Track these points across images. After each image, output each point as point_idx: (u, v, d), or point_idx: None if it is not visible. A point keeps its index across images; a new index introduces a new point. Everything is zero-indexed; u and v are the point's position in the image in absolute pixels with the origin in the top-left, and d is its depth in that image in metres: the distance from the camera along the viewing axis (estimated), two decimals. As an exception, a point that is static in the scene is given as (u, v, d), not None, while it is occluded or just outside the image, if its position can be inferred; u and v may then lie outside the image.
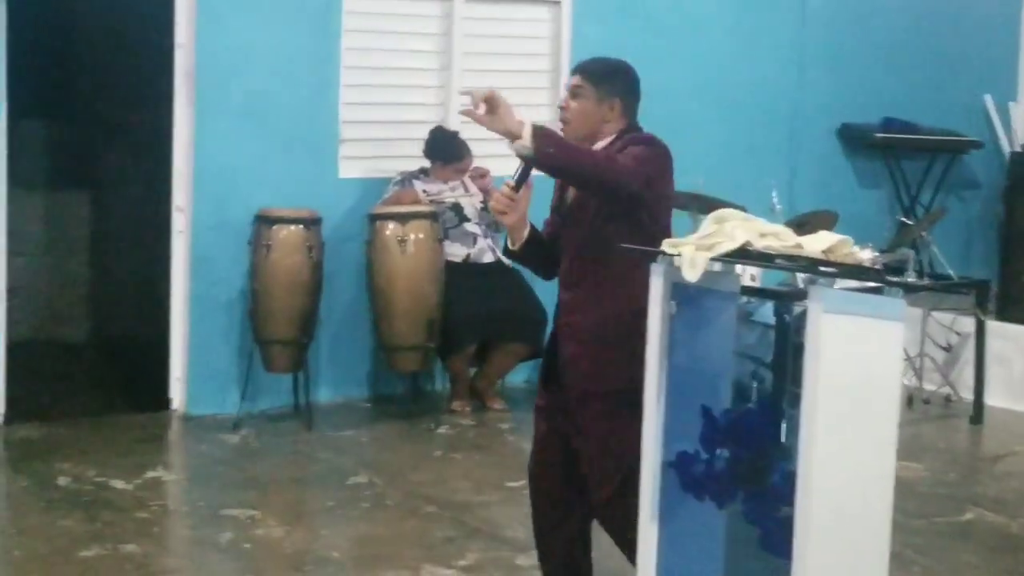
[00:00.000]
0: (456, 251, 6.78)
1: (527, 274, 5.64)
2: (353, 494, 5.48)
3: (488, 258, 6.85)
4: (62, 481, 5.41)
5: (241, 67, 6.54)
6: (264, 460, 5.97)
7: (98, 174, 7.79)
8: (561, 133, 3.54)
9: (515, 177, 3.46)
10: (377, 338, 6.75)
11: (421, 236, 6.54)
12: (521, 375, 7.13)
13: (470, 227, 6.82)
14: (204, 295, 6.57)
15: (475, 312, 6.70)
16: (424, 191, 6.76)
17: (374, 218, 6.61)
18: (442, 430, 6.51)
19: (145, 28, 6.48)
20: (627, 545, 3.50)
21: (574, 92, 3.58)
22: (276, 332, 6.38)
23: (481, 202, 6.80)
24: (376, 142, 7.06)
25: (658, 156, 3.51)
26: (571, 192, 3.62)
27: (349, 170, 6.95)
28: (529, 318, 6.66)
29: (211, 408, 6.52)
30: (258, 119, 6.60)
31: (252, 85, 6.58)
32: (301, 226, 6.40)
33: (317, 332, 6.58)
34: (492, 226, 6.83)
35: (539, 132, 3.30)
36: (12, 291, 6.44)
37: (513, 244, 3.62)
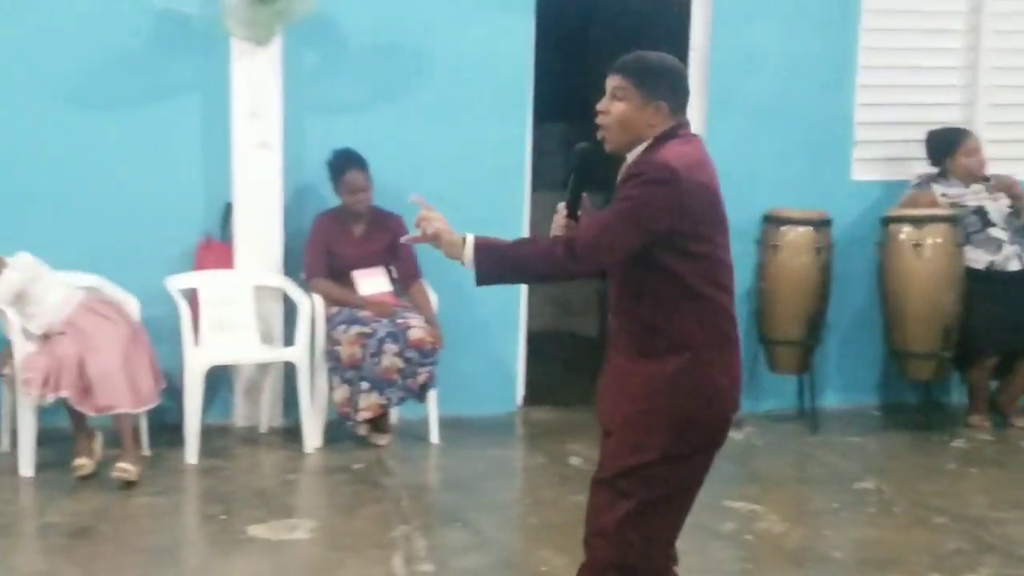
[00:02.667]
0: (978, 257, 6.39)
1: None
2: (858, 498, 5.34)
3: (1014, 265, 6.40)
4: (574, 461, 5.76)
5: (753, 69, 6.59)
6: (767, 458, 5.96)
7: (613, 174, 8.12)
8: (602, 140, 3.18)
9: (567, 199, 3.25)
10: (888, 344, 6.53)
11: (939, 240, 6.25)
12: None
13: (995, 232, 6.41)
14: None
15: (998, 322, 6.31)
16: (943, 195, 6.45)
17: (887, 221, 6.40)
18: (957, 443, 6.18)
19: (660, 33, 6.69)
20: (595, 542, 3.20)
21: (614, 94, 3.13)
22: (782, 333, 6.35)
23: (1009, 206, 6.39)
24: (893, 144, 6.83)
25: (656, 197, 2.99)
26: None
27: (863, 172, 6.79)
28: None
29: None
30: (769, 120, 6.62)
31: (764, 87, 6.61)
32: (810, 227, 6.33)
33: (825, 335, 6.48)
34: (1020, 231, 6.39)
35: (480, 251, 3.06)
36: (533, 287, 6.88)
37: None
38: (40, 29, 5.94)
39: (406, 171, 6.23)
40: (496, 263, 3.07)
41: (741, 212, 6.48)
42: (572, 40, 7.91)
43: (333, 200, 6.08)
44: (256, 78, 5.96)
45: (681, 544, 4.69)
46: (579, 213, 3.23)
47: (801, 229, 6.33)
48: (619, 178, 3.13)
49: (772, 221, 6.38)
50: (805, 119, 6.66)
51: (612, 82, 3.13)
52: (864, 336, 6.75)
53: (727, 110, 6.57)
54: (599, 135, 3.17)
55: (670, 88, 3.11)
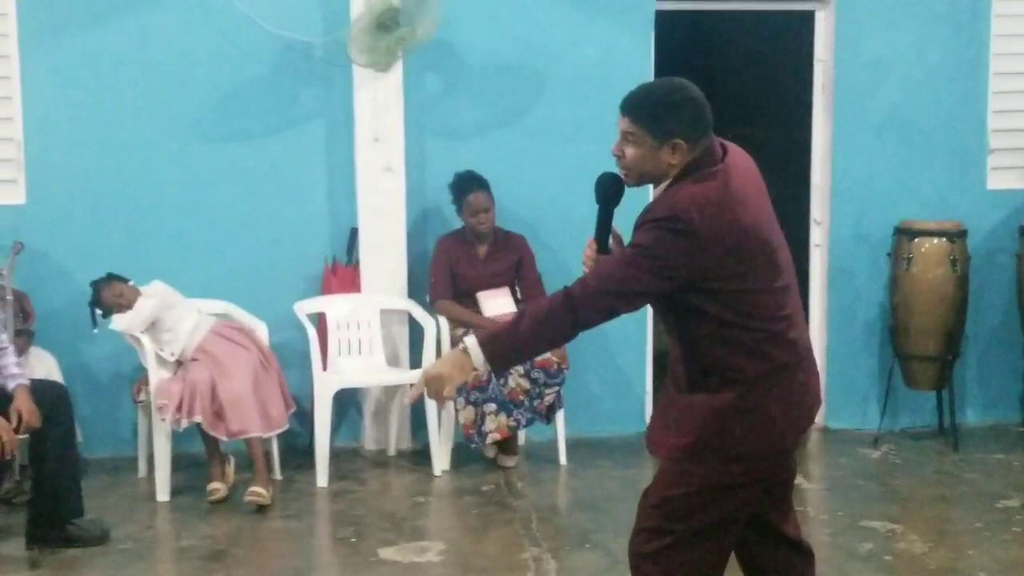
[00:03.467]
0: None
1: None
2: (1003, 517, 5.14)
3: None
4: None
5: (880, 79, 6.43)
6: (906, 476, 5.78)
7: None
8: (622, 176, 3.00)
9: (596, 232, 3.06)
10: (1031, 358, 6.31)
11: (1081, 249, 6.02)
12: None
13: None
14: (843, 308, 6.52)
15: None
16: (1085, 201, 6.21)
17: (1026, 230, 6.19)
18: (1105, 462, 5.92)
19: (785, 45, 6.59)
20: None
21: (626, 138, 2.94)
22: (918, 348, 6.17)
23: None
24: (1029, 152, 6.61)
25: (671, 247, 2.82)
26: None
27: (999, 181, 6.58)
28: None
29: (850, 422, 6.48)
30: (898, 131, 6.46)
31: (892, 97, 6.45)
32: (945, 239, 6.13)
33: (963, 349, 6.26)
34: None
35: (486, 348, 2.90)
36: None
37: None
38: (169, 62, 6.09)
39: (528, 191, 6.24)
40: (505, 350, 2.95)
41: (872, 225, 6.40)
42: (692, 57, 7.84)
43: (456, 222, 6.10)
44: (378, 104, 6.02)
45: (820, 565, 4.58)
46: (610, 246, 3.08)
47: (935, 241, 6.13)
48: (637, 220, 2.95)
49: (905, 233, 6.20)
50: (936, 128, 6.48)
51: (622, 124, 2.95)
52: (1004, 350, 6.53)
53: (854, 122, 6.43)
54: (623, 175, 3.01)
55: (685, 123, 2.90)
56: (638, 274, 2.85)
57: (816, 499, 5.49)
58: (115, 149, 6.10)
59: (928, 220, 6.23)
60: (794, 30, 6.58)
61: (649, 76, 6.33)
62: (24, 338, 5.63)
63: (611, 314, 2.92)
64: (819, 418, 6.59)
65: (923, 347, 6.15)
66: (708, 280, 2.86)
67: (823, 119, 6.51)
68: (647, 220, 2.87)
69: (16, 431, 4.56)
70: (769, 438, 2.96)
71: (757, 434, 2.94)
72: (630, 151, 2.93)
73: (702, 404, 2.96)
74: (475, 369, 2.93)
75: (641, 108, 2.92)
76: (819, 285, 6.60)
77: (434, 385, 2.94)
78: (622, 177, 3.00)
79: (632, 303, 2.92)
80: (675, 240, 2.82)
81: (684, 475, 2.98)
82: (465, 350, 2.91)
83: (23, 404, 4.64)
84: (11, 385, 4.72)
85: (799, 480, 5.62)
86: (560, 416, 5.91)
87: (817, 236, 6.59)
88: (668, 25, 6.56)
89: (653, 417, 3.22)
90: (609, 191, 3.03)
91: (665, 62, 6.30)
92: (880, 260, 6.34)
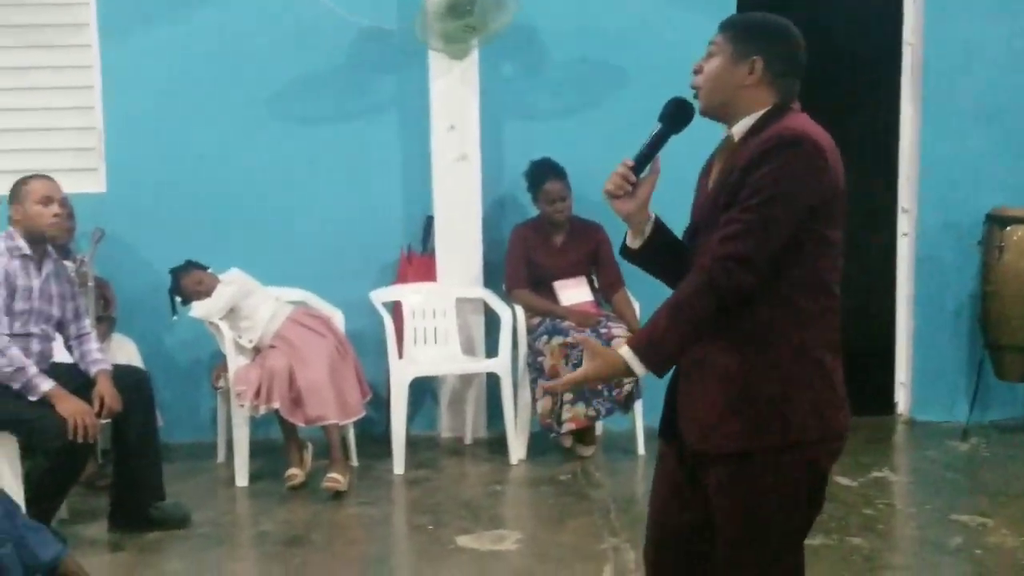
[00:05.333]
0: None
1: None
2: (1099, 512, 4.97)
3: None
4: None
5: (970, 64, 6.25)
6: (996, 470, 5.61)
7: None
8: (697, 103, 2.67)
9: (638, 152, 2.69)
10: None
11: None
12: None
13: None
14: (931, 298, 6.36)
15: None
16: None
17: None
18: None
19: (872, 27, 6.43)
20: None
21: (710, 52, 2.68)
22: (1009, 338, 5.99)
23: None
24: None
25: (801, 168, 2.51)
26: (703, 196, 2.74)
27: (1091, 166, 6.37)
28: None
29: (938, 414, 6.32)
30: (988, 117, 6.27)
31: (982, 82, 6.27)
32: (1037, 226, 5.95)
33: (1057, 340, 6.08)
34: None
35: (640, 351, 2.56)
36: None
37: (631, 241, 2.80)
38: (247, 51, 6.11)
39: (605, 180, 6.14)
40: (665, 340, 2.56)
41: (961, 212, 6.23)
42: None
43: (531, 211, 6.05)
44: (454, 91, 5.98)
45: (905, 560, 4.47)
46: (643, 176, 2.72)
47: (1027, 228, 5.96)
48: (727, 164, 2.64)
49: (996, 221, 6.02)
50: (1028, 114, 6.30)
51: (712, 39, 2.70)
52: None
53: (944, 107, 6.27)
54: (694, 97, 2.70)
55: (773, 50, 2.64)
56: (788, 208, 2.50)
57: (903, 492, 5.35)
58: (193, 138, 6.14)
59: (1020, 207, 6.04)
60: (881, 12, 6.41)
61: (730, 61, 6.21)
62: (105, 325, 5.68)
63: (758, 273, 2.52)
64: (905, 409, 6.46)
65: (1015, 337, 5.97)
66: (816, 220, 2.55)
67: (911, 104, 6.35)
68: (764, 151, 2.52)
69: (98, 415, 4.59)
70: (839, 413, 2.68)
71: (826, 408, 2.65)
72: (710, 63, 2.67)
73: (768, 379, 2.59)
74: (629, 373, 2.59)
75: (735, 22, 2.73)
76: (906, 274, 6.44)
77: (584, 385, 2.70)
78: (695, 98, 2.70)
79: (775, 252, 2.53)
80: (804, 160, 2.52)
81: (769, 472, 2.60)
82: (623, 361, 2.57)
83: (105, 389, 4.67)
84: (93, 370, 4.76)
85: (886, 472, 5.52)
86: (638, 406, 5.82)
87: (904, 224, 6.43)
88: (750, 8, 6.43)
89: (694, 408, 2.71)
90: (674, 112, 2.71)
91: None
92: (969, 249, 6.16)
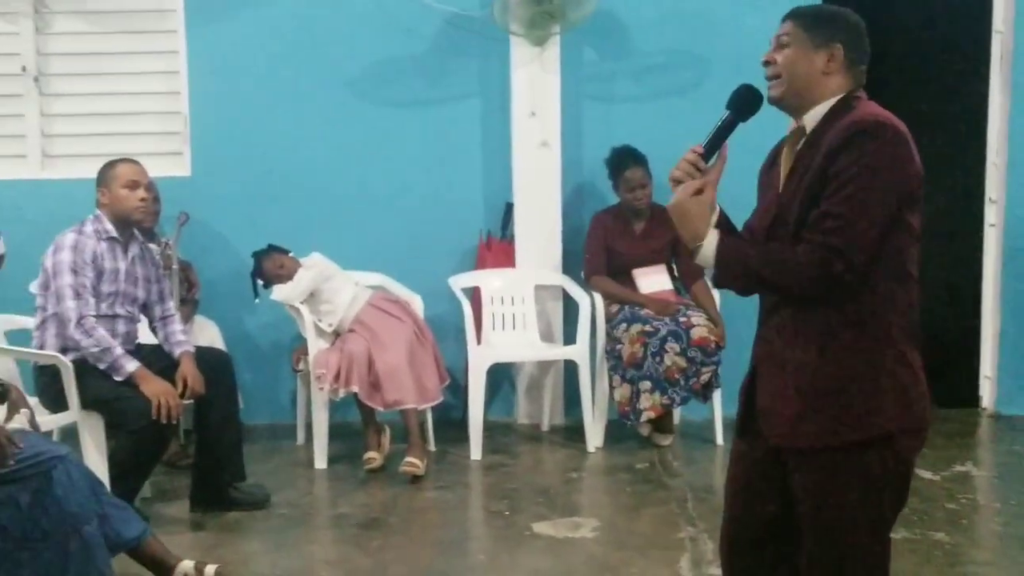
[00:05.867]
0: None
1: None
2: None
3: None
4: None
5: (1064, 50, 6.12)
6: (1084, 467, 5.50)
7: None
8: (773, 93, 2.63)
9: (708, 138, 2.66)
10: None
11: None
12: None
13: None
14: (1018, 291, 6.23)
15: None
16: None
17: None
18: None
19: (962, 16, 6.30)
20: None
21: (780, 41, 2.64)
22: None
23: None
24: None
25: (892, 156, 2.46)
26: (779, 180, 2.67)
27: None
28: None
29: (1023, 408, 6.19)
30: (1082, 104, 6.14)
31: (1075, 69, 6.13)
32: None
33: None
34: None
35: (721, 249, 2.58)
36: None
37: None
38: (331, 37, 6.16)
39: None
40: (732, 270, 2.61)
41: (1054, 203, 6.09)
42: (868, 26, 7.54)
43: (611, 198, 6.02)
44: (535, 78, 5.97)
45: (988, 555, 4.38)
46: (712, 161, 2.68)
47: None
48: (801, 155, 2.62)
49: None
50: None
51: (779, 31, 2.66)
52: None
53: (1034, 95, 6.14)
54: (769, 89, 2.67)
55: (849, 38, 2.63)
56: (887, 197, 2.46)
57: (986, 487, 5.25)
58: (277, 124, 6.21)
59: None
60: (971, 0, 6.28)
61: (814, 48, 6.13)
62: (189, 307, 5.77)
63: (859, 268, 2.47)
64: (990, 403, 6.34)
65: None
66: (901, 207, 2.50)
67: (1000, 93, 6.22)
68: (850, 139, 2.47)
69: (181, 396, 4.66)
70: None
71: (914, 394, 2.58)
72: (784, 54, 2.63)
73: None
74: (699, 240, 2.62)
75: (805, 12, 2.68)
76: (992, 267, 6.31)
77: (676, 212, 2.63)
78: (768, 87, 2.67)
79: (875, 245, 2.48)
80: (893, 148, 2.48)
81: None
82: (703, 242, 2.62)
83: (188, 370, 4.75)
84: (177, 352, 4.84)
85: (969, 466, 5.42)
86: (717, 395, 5.78)
87: (992, 215, 6.30)
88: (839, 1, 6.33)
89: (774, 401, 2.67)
90: (743, 99, 2.68)
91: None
92: (1062, 241, 6.05)
